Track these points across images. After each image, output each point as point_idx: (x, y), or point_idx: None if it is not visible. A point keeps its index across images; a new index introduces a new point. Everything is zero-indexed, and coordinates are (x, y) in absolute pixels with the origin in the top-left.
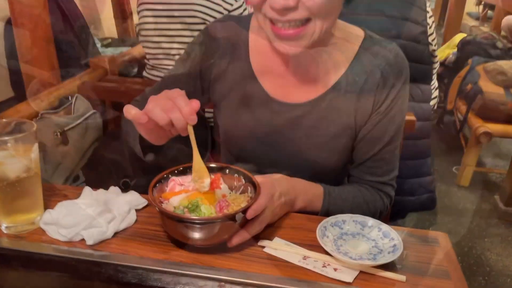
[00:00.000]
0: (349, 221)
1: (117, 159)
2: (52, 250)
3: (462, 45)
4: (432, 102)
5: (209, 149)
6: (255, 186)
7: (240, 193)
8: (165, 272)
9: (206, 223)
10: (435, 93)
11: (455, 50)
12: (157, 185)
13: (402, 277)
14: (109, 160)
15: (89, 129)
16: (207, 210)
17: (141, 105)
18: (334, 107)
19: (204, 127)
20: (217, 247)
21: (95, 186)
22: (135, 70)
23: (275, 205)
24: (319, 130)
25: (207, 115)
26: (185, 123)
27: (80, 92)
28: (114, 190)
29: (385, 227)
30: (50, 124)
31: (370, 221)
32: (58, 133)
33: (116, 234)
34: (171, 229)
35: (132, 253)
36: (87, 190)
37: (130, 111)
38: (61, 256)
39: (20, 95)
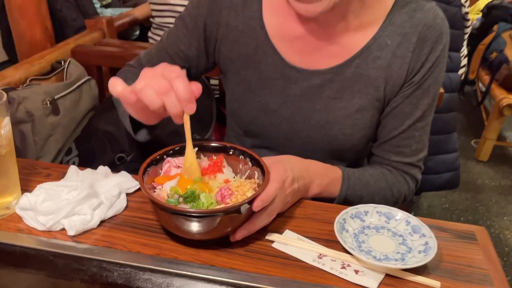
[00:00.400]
0: (373, 212)
1: (113, 131)
2: (27, 241)
3: (488, 10)
4: (460, 71)
5: (214, 121)
6: (263, 170)
7: (246, 178)
8: (157, 272)
9: (204, 216)
10: (464, 61)
11: (480, 15)
12: (149, 168)
13: (436, 283)
14: (105, 132)
15: (83, 98)
16: (207, 200)
17: (135, 73)
18: (360, 75)
19: (208, 96)
20: (218, 241)
21: (88, 160)
22: (137, 33)
23: (287, 192)
24: (342, 101)
25: (212, 82)
26: (181, 111)
27: (74, 57)
28: (103, 170)
29: (414, 220)
30: (39, 91)
31: (398, 213)
32: (48, 102)
33: (102, 223)
34: (165, 221)
35: (119, 247)
36: (72, 169)
37: (116, 87)
38: (36, 249)
39: (14, 58)
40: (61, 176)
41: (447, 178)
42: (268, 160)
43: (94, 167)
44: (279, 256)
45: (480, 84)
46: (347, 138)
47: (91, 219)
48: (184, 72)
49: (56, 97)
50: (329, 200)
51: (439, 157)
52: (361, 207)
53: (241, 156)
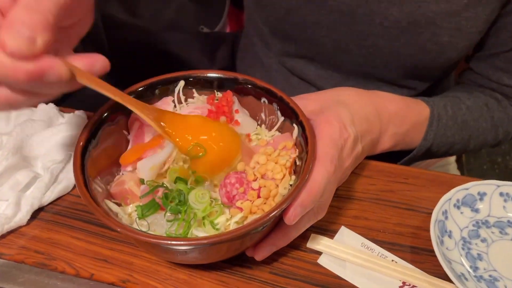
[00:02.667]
0: (493, 195)
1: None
2: None
3: None
4: None
5: (226, 9)
6: (303, 127)
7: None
8: None
9: (192, 248)
10: None
11: None
12: (100, 130)
13: None
14: None
15: None
16: (200, 202)
17: None
18: None
19: None
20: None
21: None
22: None
23: (345, 166)
24: None
25: None
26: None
27: None
28: (44, 111)
29: None
30: None
31: None
32: None
33: (38, 213)
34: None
35: (61, 265)
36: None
37: None
38: None
39: None
40: None
41: None
42: (310, 104)
43: None
44: (331, 285)
45: None
46: (442, 50)
47: (16, 211)
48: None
49: None
50: (402, 152)
51: None
52: (472, 186)
53: (264, 100)
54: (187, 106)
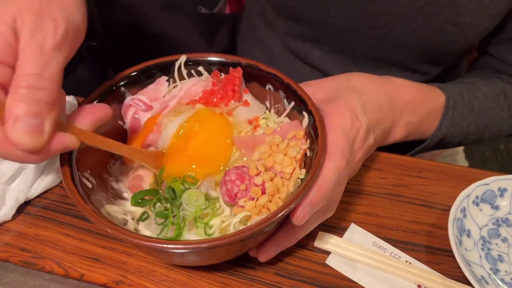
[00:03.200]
0: None
1: None
2: None
3: None
4: None
5: None
6: (313, 116)
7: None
8: None
9: (188, 252)
10: None
11: None
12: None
13: None
14: None
15: None
16: (193, 202)
17: None
18: None
19: None
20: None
21: None
22: None
23: (357, 159)
24: None
25: None
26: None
27: None
28: None
29: None
30: None
31: None
32: None
33: (24, 207)
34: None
35: (49, 264)
36: None
37: None
38: None
39: None
40: None
41: None
42: (319, 91)
43: None
44: (340, 287)
45: None
46: (461, 32)
47: (0, 206)
48: None
49: None
50: (412, 142)
51: None
52: (493, 182)
53: (269, 86)
54: (189, 80)
